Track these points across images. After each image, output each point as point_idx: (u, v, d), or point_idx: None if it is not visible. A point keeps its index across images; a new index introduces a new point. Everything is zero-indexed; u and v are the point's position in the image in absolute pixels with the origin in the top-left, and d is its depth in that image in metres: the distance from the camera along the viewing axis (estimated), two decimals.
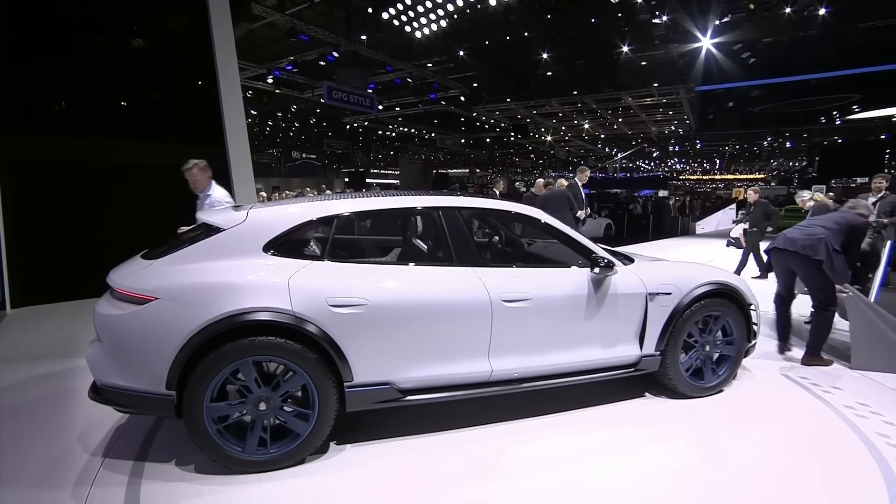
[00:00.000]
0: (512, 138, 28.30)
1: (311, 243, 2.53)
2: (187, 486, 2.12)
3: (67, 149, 5.69)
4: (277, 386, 2.22)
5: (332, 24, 14.66)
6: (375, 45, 15.94)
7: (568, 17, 13.74)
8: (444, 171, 39.92)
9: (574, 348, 2.68)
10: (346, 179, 33.79)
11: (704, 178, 46.18)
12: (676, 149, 31.92)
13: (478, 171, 42.72)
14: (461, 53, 16.02)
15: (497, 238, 3.77)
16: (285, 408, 2.25)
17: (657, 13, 12.85)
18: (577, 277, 2.68)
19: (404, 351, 2.35)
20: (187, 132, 6.56)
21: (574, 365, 2.71)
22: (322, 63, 17.21)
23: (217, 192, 3.89)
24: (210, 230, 2.37)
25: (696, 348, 3.05)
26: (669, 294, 2.87)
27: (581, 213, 6.58)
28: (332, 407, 2.27)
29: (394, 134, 30.42)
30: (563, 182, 7.14)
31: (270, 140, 30.74)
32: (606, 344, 2.77)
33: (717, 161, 39.80)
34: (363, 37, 15.39)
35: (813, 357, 3.75)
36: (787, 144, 29.92)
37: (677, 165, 44.01)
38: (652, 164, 41.42)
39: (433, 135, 28.99)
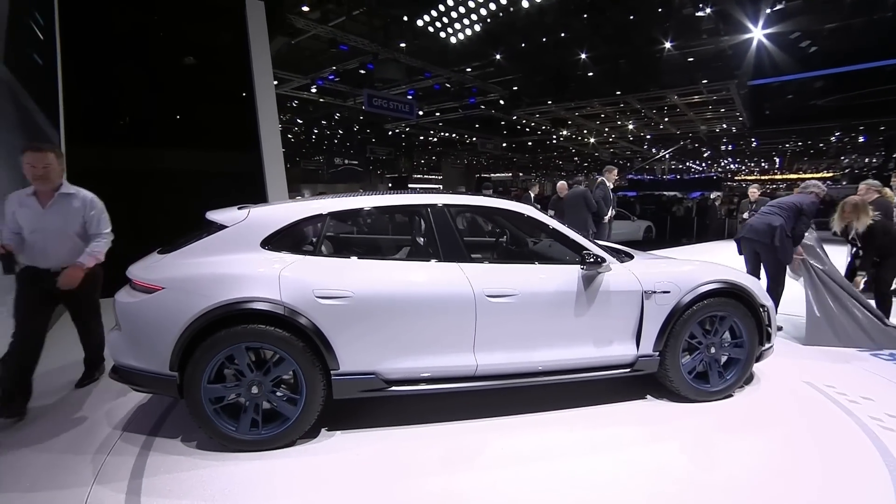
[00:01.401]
0: (554, 141, 27.92)
1: (306, 239, 2.69)
2: (187, 460, 2.32)
3: (121, 159, 6.27)
4: (268, 371, 2.39)
5: (373, 34, 15.12)
6: (414, 53, 16.24)
7: (605, 15, 13.44)
8: (486, 175, 39.94)
9: (563, 346, 2.67)
10: (390, 185, 34.59)
11: (763, 178, 43.13)
12: (730, 148, 30.13)
13: (521, 174, 42.40)
14: (498, 57, 16.04)
15: (504, 236, 3.81)
16: (276, 392, 2.42)
17: (700, 5, 12.32)
18: (565, 274, 2.67)
19: (389, 342, 2.45)
20: (227, 140, 7.06)
21: (564, 363, 2.70)
22: (362, 71, 17.79)
23: (84, 191, 2.96)
24: (215, 227, 2.58)
25: (700, 350, 2.95)
26: (668, 293, 2.79)
27: (608, 215, 6.45)
28: (318, 393, 2.41)
29: (435, 139, 30.86)
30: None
31: (317, 147, 32.09)
32: (599, 342, 2.74)
33: (777, 160, 37.11)
34: (402, 44, 15.72)
35: None
36: (860, 139, 27.51)
37: (731, 165, 41.39)
38: (703, 164, 39.27)
39: (474, 139, 29.14)
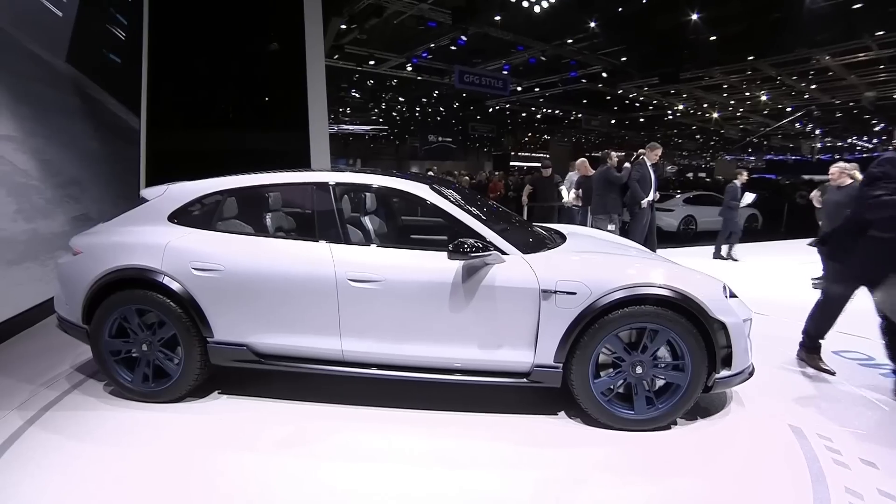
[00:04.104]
0: (670, 117, 24.98)
1: (207, 214, 2.81)
2: (96, 401, 2.69)
3: (192, 141, 7.17)
4: (155, 332, 2.63)
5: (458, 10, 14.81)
6: (506, 26, 15.58)
7: None
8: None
9: (439, 342, 2.45)
10: (491, 163, 34.39)
11: None
12: None
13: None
14: (593, 25, 14.65)
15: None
16: (164, 351, 2.65)
17: None
18: (442, 262, 2.41)
19: (256, 317, 2.51)
20: (280, 120, 7.70)
21: (441, 361, 2.48)
22: (453, 48, 17.69)
23: None
24: (142, 201, 2.88)
25: (622, 368, 2.47)
26: (573, 294, 2.36)
27: (646, 200, 5.64)
28: (195, 357, 2.57)
29: (539, 115, 29.66)
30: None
31: (424, 125, 33.00)
32: (485, 344, 2.45)
33: None
34: (497, 17, 15.18)
35: (809, 352, 3.27)
36: None
37: None
38: (874, 141, 31.14)
39: (579, 115, 27.38)
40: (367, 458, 2.21)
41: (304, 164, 7.69)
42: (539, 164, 8.52)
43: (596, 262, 2.54)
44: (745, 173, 7.72)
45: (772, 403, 2.84)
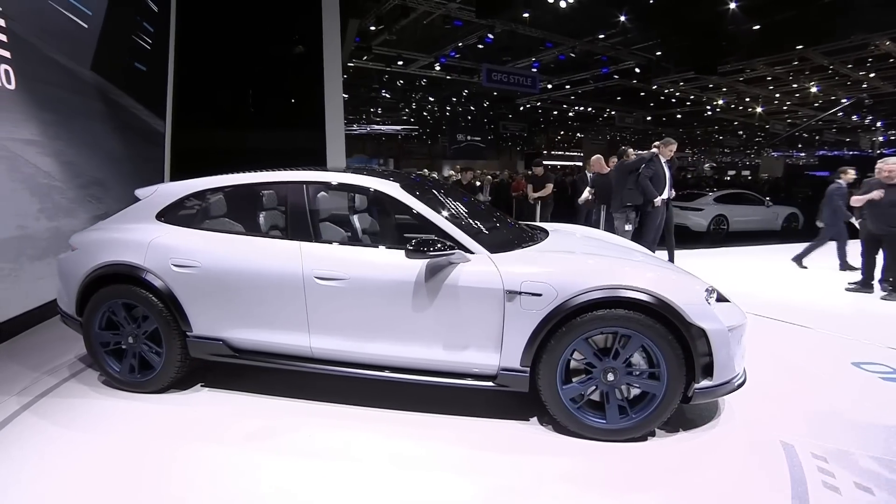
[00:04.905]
0: (709, 113, 23.84)
1: (192, 212, 2.91)
2: (89, 390, 2.83)
3: (214, 140, 7.47)
4: (140, 325, 2.74)
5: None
6: (534, 22, 15.30)
7: None
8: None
9: (404, 341, 2.42)
10: (523, 162, 34.00)
11: None
12: None
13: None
14: (623, 19, 14.16)
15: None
16: (147, 344, 2.75)
17: None
18: (407, 260, 2.37)
19: (231, 312, 2.58)
20: (298, 120, 7.92)
21: (407, 360, 2.46)
22: (480, 46, 17.57)
23: None
24: (135, 200, 3.01)
25: (593, 375, 2.35)
26: (538, 296, 2.27)
27: (659, 198, 5.39)
28: (176, 350, 2.67)
29: (571, 113, 29.00)
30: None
31: (454, 124, 32.94)
32: (450, 346, 2.40)
33: None
34: (525, 14, 14.96)
35: None
36: None
37: None
38: None
39: (613, 113, 26.59)
40: (319, 456, 2.22)
41: (320, 162, 7.86)
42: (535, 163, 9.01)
43: (565, 262, 2.44)
44: (850, 171, 6.36)
45: (767, 417, 2.64)
